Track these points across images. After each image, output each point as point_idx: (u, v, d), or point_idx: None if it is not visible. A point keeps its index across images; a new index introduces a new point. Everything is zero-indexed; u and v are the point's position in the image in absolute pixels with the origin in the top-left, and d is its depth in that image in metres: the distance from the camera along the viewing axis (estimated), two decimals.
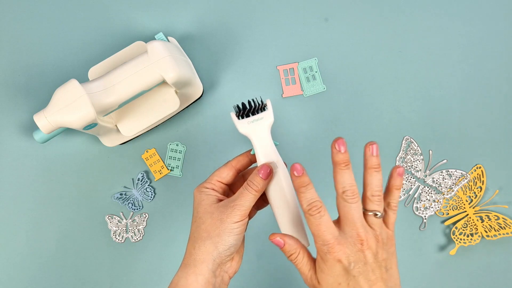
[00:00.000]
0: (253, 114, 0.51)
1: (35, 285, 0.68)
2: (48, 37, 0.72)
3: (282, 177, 0.50)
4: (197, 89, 0.68)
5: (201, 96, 0.69)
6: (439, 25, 0.72)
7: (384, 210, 0.47)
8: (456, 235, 0.67)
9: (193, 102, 0.69)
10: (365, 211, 0.46)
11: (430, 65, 0.71)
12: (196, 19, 0.72)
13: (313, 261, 0.47)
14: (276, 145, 0.52)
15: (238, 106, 0.51)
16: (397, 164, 0.69)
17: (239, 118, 0.51)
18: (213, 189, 0.50)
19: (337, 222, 0.46)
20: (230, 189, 0.54)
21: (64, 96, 0.56)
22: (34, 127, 0.68)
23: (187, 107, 0.69)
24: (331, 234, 0.44)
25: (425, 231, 0.68)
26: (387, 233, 0.46)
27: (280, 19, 0.72)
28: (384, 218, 0.47)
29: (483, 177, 0.69)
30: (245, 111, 0.51)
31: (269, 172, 0.48)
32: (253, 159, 0.53)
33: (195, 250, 0.47)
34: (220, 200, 0.49)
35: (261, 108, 0.51)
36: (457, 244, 0.67)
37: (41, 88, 0.70)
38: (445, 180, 0.69)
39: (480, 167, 0.69)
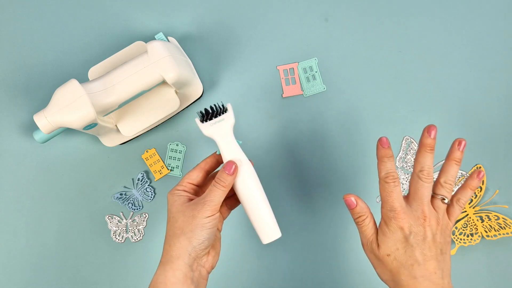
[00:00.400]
0: (215, 118, 0.55)
1: (35, 285, 0.68)
2: (48, 37, 0.72)
3: (247, 173, 0.53)
4: (197, 89, 0.68)
5: (201, 96, 0.69)
6: (439, 25, 0.72)
7: (452, 203, 0.51)
8: (456, 235, 0.67)
9: (193, 102, 0.69)
10: (434, 195, 0.50)
11: (430, 65, 0.71)
12: (196, 19, 0.72)
13: (376, 227, 0.51)
14: (239, 143, 0.55)
15: (201, 112, 0.55)
16: (397, 164, 0.69)
17: (203, 122, 0.55)
18: (184, 191, 0.53)
19: (406, 198, 0.51)
20: (202, 191, 0.56)
21: (64, 96, 0.56)
22: (34, 127, 0.68)
23: (187, 107, 0.69)
24: (399, 203, 0.49)
25: None
26: (447, 222, 0.50)
27: (280, 19, 0.72)
28: (449, 210, 0.51)
29: (483, 177, 0.69)
30: (208, 116, 0.55)
31: (235, 168, 0.51)
32: (220, 160, 0.55)
33: (170, 247, 0.49)
34: (191, 199, 0.52)
35: (223, 111, 0.55)
36: (457, 244, 0.67)
37: (41, 88, 0.70)
38: None
39: (480, 167, 0.69)
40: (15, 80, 0.71)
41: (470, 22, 0.72)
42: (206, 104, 0.70)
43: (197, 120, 0.55)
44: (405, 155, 0.69)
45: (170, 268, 0.48)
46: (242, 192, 0.53)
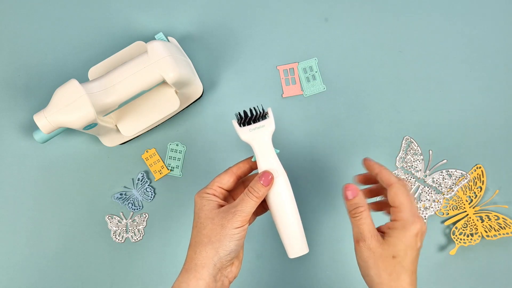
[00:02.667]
0: (254, 122, 0.52)
1: (35, 285, 0.68)
2: (48, 37, 0.72)
3: (282, 184, 0.51)
4: (197, 89, 0.68)
5: (201, 96, 0.69)
6: (439, 25, 0.72)
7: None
8: (456, 235, 0.67)
9: (193, 102, 0.69)
10: None
11: (430, 65, 0.71)
12: (196, 19, 0.72)
13: (373, 224, 0.49)
14: (277, 152, 0.53)
15: (239, 114, 0.53)
16: (396, 164, 0.69)
17: (240, 126, 0.52)
18: (214, 195, 0.51)
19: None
20: (231, 195, 0.54)
21: (64, 96, 0.56)
22: (34, 127, 0.68)
23: (187, 107, 0.69)
24: (416, 207, 0.49)
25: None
26: None
27: (280, 19, 0.72)
28: None
29: (483, 177, 0.69)
30: (246, 119, 0.52)
31: (270, 179, 0.49)
32: (253, 166, 0.53)
33: (196, 255, 0.48)
34: (221, 206, 0.50)
35: (262, 116, 0.52)
36: (457, 244, 0.67)
37: (41, 88, 0.70)
38: (445, 180, 0.69)
39: (480, 167, 0.69)
40: (15, 80, 0.71)
41: (470, 22, 0.72)
42: (206, 104, 0.70)
43: (235, 122, 0.53)
44: (405, 155, 0.69)
45: (193, 277, 0.47)
46: (275, 205, 0.51)
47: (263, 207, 0.54)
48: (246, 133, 0.52)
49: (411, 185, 0.69)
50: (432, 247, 0.68)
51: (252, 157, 0.54)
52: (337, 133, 0.70)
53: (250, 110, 0.53)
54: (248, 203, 0.48)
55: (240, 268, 0.52)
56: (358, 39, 0.71)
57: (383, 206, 0.54)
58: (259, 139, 0.52)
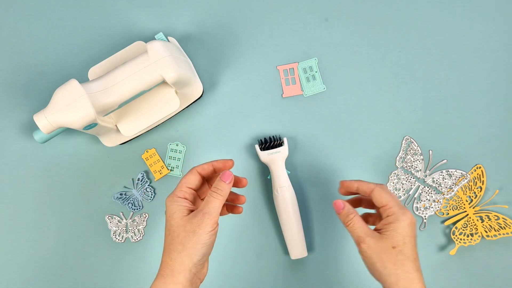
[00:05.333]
0: (272, 148, 0.67)
1: (35, 285, 0.68)
2: (48, 37, 0.72)
3: (288, 198, 0.65)
4: (197, 89, 0.68)
5: (201, 96, 0.69)
6: (439, 25, 0.72)
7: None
8: (456, 235, 0.67)
9: (193, 102, 0.69)
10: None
11: (430, 65, 0.71)
12: (196, 19, 0.72)
13: (364, 223, 0.53)
14: (288, 173, 0.67)
15: (261, 140, 0.68)
16: (396, 164, 0.69)
17: (261, 150, 0.67)
18: (185, 198, 0.52)
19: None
20: (198, 195, 0.56)
21: (64, 96, 0.56)
22: (34, 127, 0.68)
23: (187, 107, 0.69)
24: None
25: (425, 231, 0.68)
26: None
27: (280, 19, 0.72)
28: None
29: (483, 177, 0.69)
30: (266, 144, 0.67)
31: (232, 178, 0.52)
32: (217, 168, 0.55)
33: (172, 262, 0.49)
34: (191, 211, 0.52)
35: (279, 143, 0.67)
36: (457, 244, 0.67)
37: (41, 88, 0.70)
38: (445, 180, 0.69)
39: (480, 167, 0.69)
40: (15, 80, 0.71)
41: (470, 22, 0.72)
42: (206, 104, 0.71)
43: (257, 147, 0.67)
44: (405, 155, 0.69)
45: (170, 282, 0.49)
46: (282, 214, 0.65)
47: (225, 208, 0.58)
48: (266, 156, 0.67)
49: (411, 185, 0.69)
50: (432, 247, 0.68)
51: (229, 161, 0.56)
52: (337, 133, 0.70)
53: (270, 138, 0.68)
54: (213, 203, 0.51)
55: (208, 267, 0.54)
56: (358, 39, 0.71)
57: (361, 203, 0.59)
58: (275, 161, 0.66)
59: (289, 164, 0.69)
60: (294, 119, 0.70)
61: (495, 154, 0.69)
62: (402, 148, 0.69)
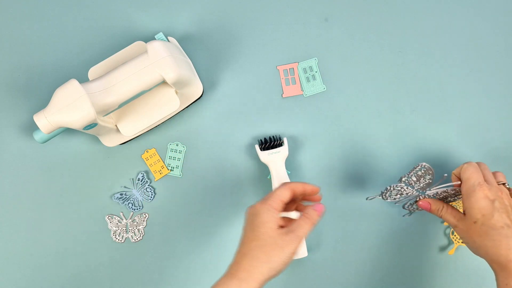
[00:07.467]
0: (272, 147, 0.67)
1: (35, 285, 0.68)
2: (48, 37, 0.72)
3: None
4: (197, 89, 0.68)
5: (201, 96, 0.69)
6: (439, 25, 0.72)
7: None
8: (455, 235, 0.67)
9: (193, 102, 0.69)
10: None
11: (430, 65, 0.71)
12: (196, 19, 0.72)
13: (456, 210, 0.59)
14: (288, 173, 0.66)
15: (261, 140, 0.68)
16: (401, 176, 0.62)
17: (261, 150, 0.67)
18: (277, 209, 0.54)
19: None
20: (287, 206, 0.58)
21: (64, 96, 0.56)
22: (34, 127, 0.68)
23: (187, 107, 0.69)
24: (481, 178, 0.56)
25: (425, 231, 0.68)
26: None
27: (280, 19, 0.72)
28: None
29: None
30: (266, 144, 0.67)
31: (323, 213, 0.55)
32: (306, 191, 0.57)
33: (252, 268, 0.50)
34: (281, 226, 0.53)
35: (279, 143, 0.67)
36: (456, 244, 0.67)
37: (41, 88, 0.70)
38: (446, 193, 0.61)
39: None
40: (15, 80, 0.71)
41: (470, 22, 0.72)
42: (206, 104, 0.70)
43: (257, 147, 0.67)
44: (412, 176, 0.61)
45: (245, 286, 0.50)
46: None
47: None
48: (266, 156, 0.66)
49: (410, 194, 0.63)
50: (432, 247, 0.68)
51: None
52: (337, 133, 0.70)
53: (270, 138, 0.68)
54: (305, 229, 0.53)
55: None
56: (358, 39, 0.72)
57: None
58: (275, 161, 0.66)
59: (289, 164, 0.69)
60: (294, 119, 0.70)
61: (495, 154, 0.69)
62: (414, 173, 0.60)
